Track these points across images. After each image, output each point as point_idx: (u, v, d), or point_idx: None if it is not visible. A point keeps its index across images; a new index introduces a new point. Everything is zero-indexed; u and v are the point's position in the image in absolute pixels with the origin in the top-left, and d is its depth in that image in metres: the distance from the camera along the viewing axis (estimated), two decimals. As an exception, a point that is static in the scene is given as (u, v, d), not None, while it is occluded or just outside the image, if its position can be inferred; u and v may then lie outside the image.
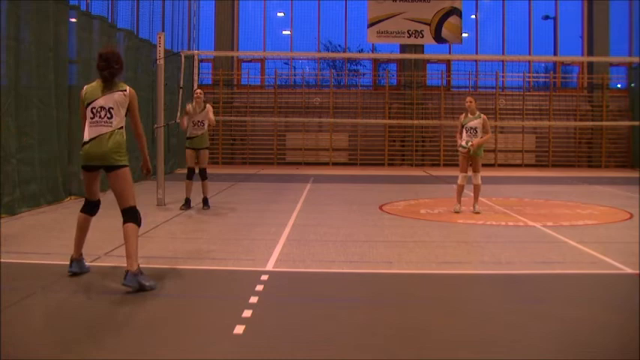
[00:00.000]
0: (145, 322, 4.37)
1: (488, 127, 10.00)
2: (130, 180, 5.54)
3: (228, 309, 4.63)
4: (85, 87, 5.61)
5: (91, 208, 5.74)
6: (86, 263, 5.78)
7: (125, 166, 5.47)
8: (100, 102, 5.41)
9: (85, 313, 4.56)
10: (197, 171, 10.25)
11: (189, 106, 10.32)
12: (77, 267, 5.61)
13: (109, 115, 5.40)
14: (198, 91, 10.43)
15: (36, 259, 6.29)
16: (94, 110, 5.42)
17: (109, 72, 5.43)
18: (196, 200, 10.49)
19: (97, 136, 5.40)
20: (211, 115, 10.25)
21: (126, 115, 5.54)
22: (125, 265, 5.20)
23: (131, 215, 5.49)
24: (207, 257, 6.64)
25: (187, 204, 10.23)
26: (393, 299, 5.10)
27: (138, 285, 5.09)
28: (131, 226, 5.43)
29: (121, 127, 5.48)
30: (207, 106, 10.33)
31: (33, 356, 3.72)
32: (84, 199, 5.81)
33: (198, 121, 10.16)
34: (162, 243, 7.44)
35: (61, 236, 7.67)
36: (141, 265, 6.13)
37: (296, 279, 5.74)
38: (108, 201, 11.41)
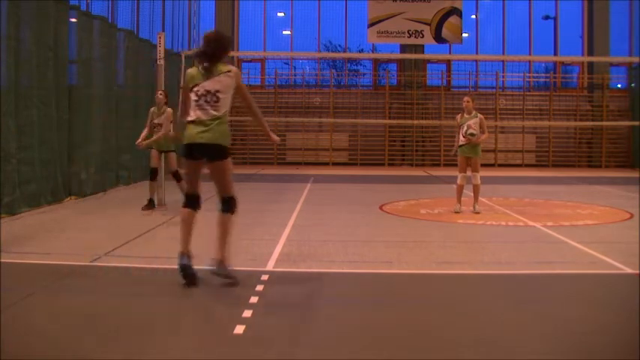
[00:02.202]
0: (145, 322, 4.37)
1: (485, 127, 10.00)
2: (231, 170, 5.41)
3: (228, 309, 4.63)
4: (189, 70, 5.41)
5: (192, 202, 5.48)
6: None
7: (228, 153, 5.31)
8: (205, 85, 5.23)
9: (85, 313, 4.56)
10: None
11: (152, 109, 10.14)
12: (188, 260, 5.33)
13: (215, 99, 5.22)
14: (159, 92, 10.19)
15: (36, 259, 6.28)
16: (199, 93, 5.24)
17: (207, 53, 5.23)
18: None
19: (202, 118, 5.21)
20: (168, 123, 9.96)
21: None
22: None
23: (229, 205, 5.48)
24: (207, 257, 6.62)
25: (151, 204, 9.96)
26: (393, 299, 5.10)
27: (227, 273, 5.17)
28: (228, 215, 5.45)
29: (227, 112, 5.31)
30: (168, 110, 10.04)
31: (33, 356, 3.72)
32: (185, 194, 5.61)
33: (158, 124, 9.95)
34: (162, 243, 7.43)
35: (61, 236, 7.68)
36: (142, 265, 6.16)
37: (296, 279, 5.74)
38: (108, 201, 11.38)
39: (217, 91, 5.22)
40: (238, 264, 6.30)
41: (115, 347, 3.85)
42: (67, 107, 11.15)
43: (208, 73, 5.24)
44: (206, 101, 5.20)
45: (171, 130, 10.20)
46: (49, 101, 10.40)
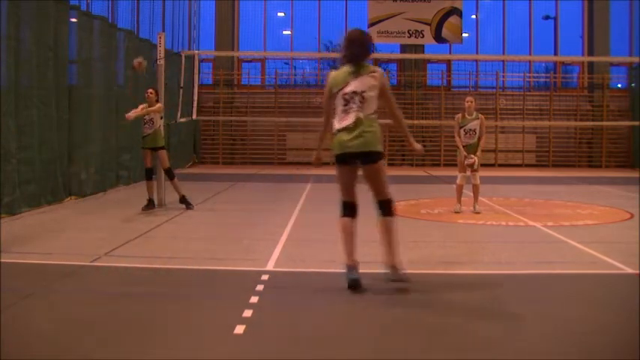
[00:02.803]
0: (145, 322, 4.37)
1: (485, 128, 10.01)
2: (384, 171, 5.26)
3: (228, 309, 4.62)
4: (331, 74, 5.29)
5: (350, 210, 5.31)
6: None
7: (382, 156, 5.21)
8: (351, 87, 5.11)
9: (85, 313, 4.56)
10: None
11: (143, 105, 10.05)
12: (356, 273, 5.14)
13: (361, 100, 5.08)
14: (150, 90, 10.14)
15: (36, 259, 6.28)
16: (346, 96, 5.12)
17: (351, 53, 5.16)
18: (197, 201, 10.47)
19: (352, 123, 5.08)
20: (158, 117, 10.01)
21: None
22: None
23: (388, 208, 5.32)
24: (207, 257, 6.64)
25: (151, 205, 9.94)
26: (393, 299, 5.10)
27: (401, 277, 5.13)
28: (390, 219, 5.30)
29: (375, 113, 5.16)
30: (158, 104, 10.03)
31: (33, 356, 3.72)
32: (342, 202, 5.38)
33: (150, 120, 9.95)
34: (162, 243, 7.43)
35: (61, 236, 7.68)
36: (141, 265, 6.16)
37: (296, 279, 5.74)
38: (108, 201, 11.38)
39: (363, 92, 5.10)
40: (238, 264, 6.32)
41: (115, 347, 3.86)
42: (67, 107, 11.15)
43: (355, 74, 5.15)
44: (354, 103, 5.09)
45: (161, 126, 10.21)
46: (49, 101, 10.41)
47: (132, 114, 9.80)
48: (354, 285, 5.03)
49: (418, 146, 5.56)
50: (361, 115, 5.08)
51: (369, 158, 5.14)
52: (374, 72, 5.20)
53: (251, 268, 6.01)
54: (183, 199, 10.09)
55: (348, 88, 5.11)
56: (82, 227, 8.42)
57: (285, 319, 4.51)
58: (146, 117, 9.99)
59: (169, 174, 10.09)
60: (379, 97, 5.21)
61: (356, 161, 5.18)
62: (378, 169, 5.19)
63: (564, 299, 5.12)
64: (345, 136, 5.11)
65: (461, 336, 4.13)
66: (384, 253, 5.28)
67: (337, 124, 5.17)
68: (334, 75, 5.25)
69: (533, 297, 5.19)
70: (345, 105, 5.12)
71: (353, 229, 5.26)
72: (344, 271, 5.13)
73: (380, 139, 5.19)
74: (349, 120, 5.09)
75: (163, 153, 10.19)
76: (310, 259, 6.45)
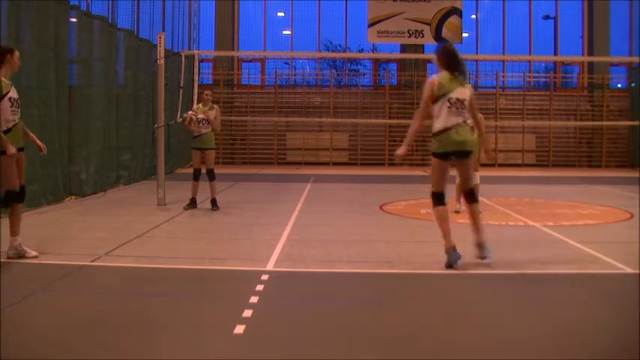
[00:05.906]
0: (145, 322, 4.37)
1: (484, 127, 10.03)
2: (473, 166, 6.16)
3: (228, 309, 4.63)
4: (439, 80, 5.90)
5: (442, 199, 6.13)
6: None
7: (472, 153, 6.00)
8: (457, 94, 5.84)
9: (85, 313, 4.56)
10: (204, 171, 10.17)
11: (195, 107, 10.31)
12: (456, 256, 5.99)
13: (462, 107, 5.85)
14: (207, 92, 10.34)
15: (36, 259, 6.28)
16: (451, 101, 5.82)
17: (462, 67, 5.92)
18: (200, 199, 10.47)
19: (456, 124, 5.82)
20: (219, 120, 10.29)
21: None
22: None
23: (473, 195, 6.20)
24: (207, 257, 6.64)
25: (193, 204, 10.17)
26: (393, 299, 5.10)
27: (484, 253, 5.94)
28: (474, 205, 6.17)
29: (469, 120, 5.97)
30: (217, 107, 10.30)
31: (33, 356, 3.72)
32: (434, 194, 6.18)
33: (203, 119, 10.08)
34: (162, 243, 7.43)
35: (61, 236, 7.68)
36: (141, 265, 6.17)
37: (296, 279, 5.75)
38: (108, 201, 11.38)
39: (464, 100, 5.88)
40: (238, 264, 6.32)
41: (115, 347, 3.86)
42: (67, 107, 11.14)
43: (461, 83, 5.91)
44: (457, 108, 5.83)
45: (219, 127, 10.40)
46: (49, 101, 10.40)
47: (194, 116, 10.01)
48: (450, 267, 5.94)
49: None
50: (462, 119, 5.88)
51: (466, 156, 5.96)
52: (468, 84, 6.08)
53: (251, 268, 6.01)
54: (214, 201, 10.20)
55: (454, 95, 5.86)
56: (82, 227, 8.41)
57: (285, 319, 4.51)
58: (200, 116, 10.09)
59: (211, 175, 10.16)
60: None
61: (452, 156, 5.93)
62: (466, 164, 6.06)
63: (564, 299, 5.11)
64: (455, 136, 5.86)
65: (460, 335, 4.13)
66: (474, 234, 6.14)
67: (446, 123, 5.87)
68: (442, 81, 5.93)
69: (533, 297, 5.19)
70: (450, 108, 5.85)
71: (448, 215, 6.25)
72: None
73: (474, 141, 6.13)
74: (453, 121, 5.85)
75: (212, 153, 10.32)
76: (310, 259, 6.45)
